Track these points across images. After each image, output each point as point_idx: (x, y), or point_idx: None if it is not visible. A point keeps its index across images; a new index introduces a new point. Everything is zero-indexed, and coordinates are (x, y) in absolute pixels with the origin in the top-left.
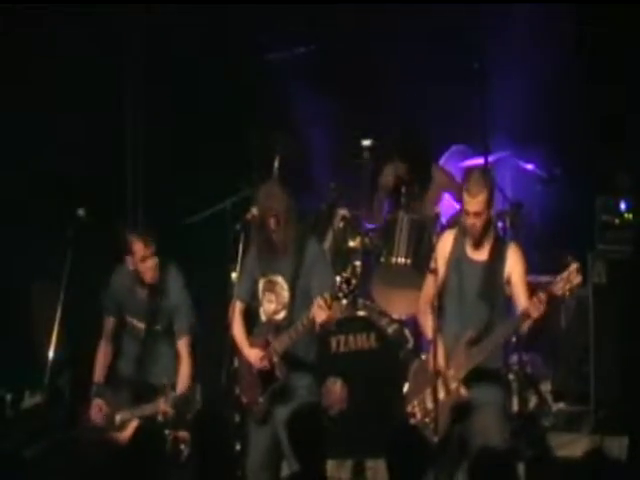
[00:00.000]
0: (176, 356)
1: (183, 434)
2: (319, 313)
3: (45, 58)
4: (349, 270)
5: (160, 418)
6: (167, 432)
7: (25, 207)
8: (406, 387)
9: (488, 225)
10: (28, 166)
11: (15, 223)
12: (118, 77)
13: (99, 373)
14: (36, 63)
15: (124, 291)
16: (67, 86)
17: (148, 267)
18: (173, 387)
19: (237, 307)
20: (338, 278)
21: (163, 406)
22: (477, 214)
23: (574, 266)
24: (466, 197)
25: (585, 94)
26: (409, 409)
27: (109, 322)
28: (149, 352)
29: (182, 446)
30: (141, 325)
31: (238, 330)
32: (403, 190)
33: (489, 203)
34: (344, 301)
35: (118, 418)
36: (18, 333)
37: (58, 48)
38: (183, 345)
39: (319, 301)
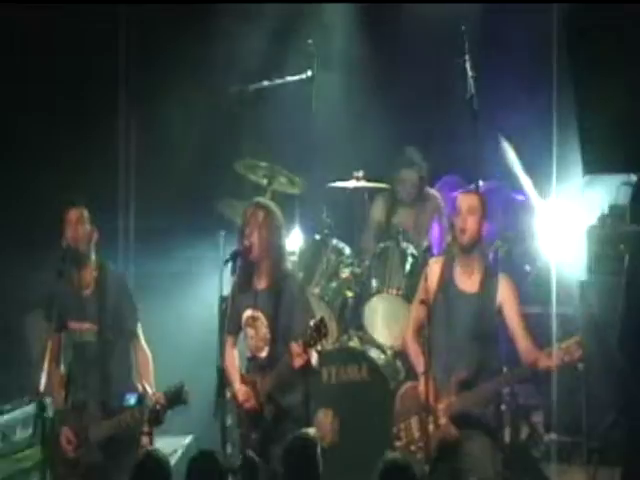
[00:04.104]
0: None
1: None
2: (296, 360)
3: None
4: (319, 318)
5: (157, 405)
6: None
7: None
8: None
9: (478, 237)
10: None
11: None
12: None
13: (57, 398)
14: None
15: (67, 293)
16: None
17: (80, 234)
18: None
19: (228, 340)
20: (311, 323)
21: (157, 396)
22: (471, 211)
23: (575, 339)
24: (460, 196)
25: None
26: (394, 431)
27: (54, 340)
28: (105, 359)
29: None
30: (92, 327)
31: (230, 364)
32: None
33: (483, 208)
34: (315, 348)
35: (92, 437)
36: (11, 365)
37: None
38: (136, 337)
39: (295, 348)
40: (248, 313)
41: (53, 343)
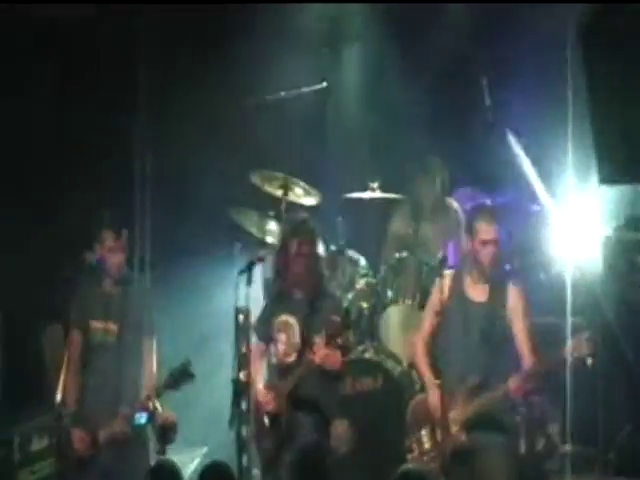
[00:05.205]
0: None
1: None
2: (318, 354)
3: None
4: (342, 313)
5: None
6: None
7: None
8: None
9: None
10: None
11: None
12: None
13: (70, 399)
14: None
15: (92, 293)
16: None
17: (114, 261)
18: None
19: (258, 348)
20: (336, 317)
21: (166, 415)
22: (495, 242)
23: (585, 334)
24: (481, 226)
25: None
26: (406, 443)
27: (75, 339)
28: (121, 362)
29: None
30: (114, 327)
31: (256, 371)
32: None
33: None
34: (338, 340)
35: (102, 437)
36: (28, 375)
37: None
38: (150, 346)
39: (317, 342)
40: (282, 318)
41: (72, 348)
